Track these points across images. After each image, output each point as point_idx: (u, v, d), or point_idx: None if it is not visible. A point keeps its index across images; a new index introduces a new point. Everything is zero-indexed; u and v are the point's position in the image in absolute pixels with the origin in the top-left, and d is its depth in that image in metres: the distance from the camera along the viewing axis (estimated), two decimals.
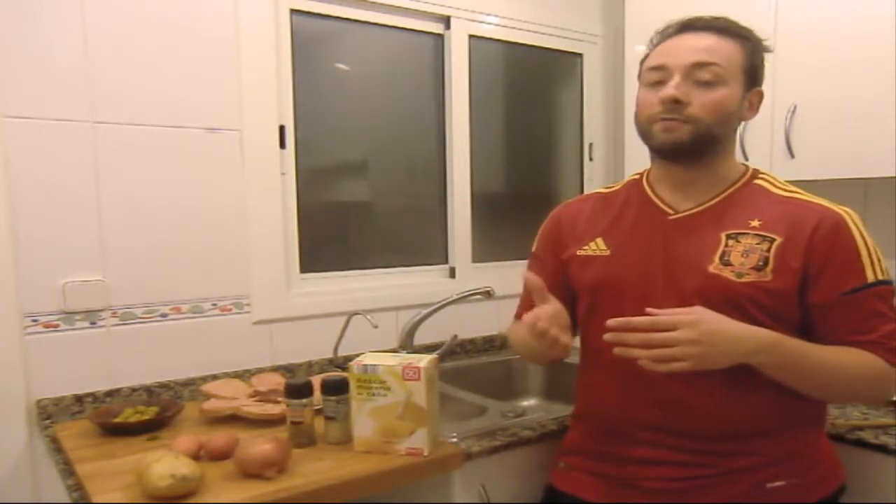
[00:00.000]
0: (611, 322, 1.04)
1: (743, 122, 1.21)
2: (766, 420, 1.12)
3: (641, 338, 1.03)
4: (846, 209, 1.13)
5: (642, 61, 1.20)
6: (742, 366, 1.05)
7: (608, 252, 1.23)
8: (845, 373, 1.08)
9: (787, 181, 1.21)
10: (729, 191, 1.19)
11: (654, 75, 1.15)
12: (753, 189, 1.19)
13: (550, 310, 1.12)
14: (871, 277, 1.09)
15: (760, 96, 1.19)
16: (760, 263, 1.10)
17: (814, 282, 1.10)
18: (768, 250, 1.10)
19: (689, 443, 1.13)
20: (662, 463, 1.15)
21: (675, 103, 1.11)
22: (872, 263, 1.09)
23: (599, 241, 1.25)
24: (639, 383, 1.14)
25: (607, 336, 1.04)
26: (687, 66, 1.11)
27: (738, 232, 1.13)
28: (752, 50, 1.15)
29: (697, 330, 1.01)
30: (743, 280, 1.09)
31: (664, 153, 1.17)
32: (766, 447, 1.12)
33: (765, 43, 1.17)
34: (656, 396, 1.14)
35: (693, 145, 1.13)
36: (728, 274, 1.10)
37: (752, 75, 1.16)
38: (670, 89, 1.11)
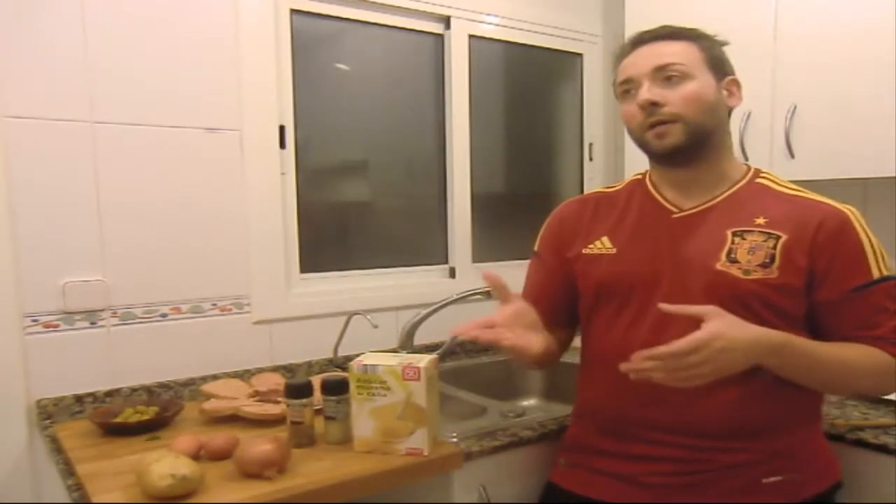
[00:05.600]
0: (633, 359, 1.01)
1: (742, 123, 1.21)
2: (763, 417, 1.13)
3: (661, 366, 1.00)
4: (849, 207, 1.14)
5: (614, 83, 1.24)
6: None
7: (614, 250, 1.23)
8: (851, 369, 1.10)
9: (789, 181, 1.22)
10: (732, 189, 1.19)
11: (625, 88, 1.19)
12: (757, 187, 1.19)
13: (509, 312, 1.12)
14: (876, 274, 1.11)
15: (737, 84, 1.20)
16: (767, 260, 1.10)
17: (820, 279, 1.11)
18: (774, 247, 1.11)
19: (687, 439, 1.13)
20: (661, 459, 1.15)
21: (653, 105, 1.14)
22: (877, 260, 1.11)
23: (605, 239, 1.25)
24: (638, 382, 1.14)
25: (624, 366, 1.02)
26: (650, 71, 1.15)
27: (744, 229, 1.14)
28: (707, 45, 1.18)
29: (714, 349, 0.99)
30: (750, 277, 1.10)
31: (663, 158, 1.18)
32: (762, 443, 1.13)
33: (717, 37, 1.20)
34: (655, 395, 1.13)
35: (689, 145, 1.14)
36: (735, 271, 1.11)
37: (718, 66, 1.18)
38: (644, 94, 1.15)
